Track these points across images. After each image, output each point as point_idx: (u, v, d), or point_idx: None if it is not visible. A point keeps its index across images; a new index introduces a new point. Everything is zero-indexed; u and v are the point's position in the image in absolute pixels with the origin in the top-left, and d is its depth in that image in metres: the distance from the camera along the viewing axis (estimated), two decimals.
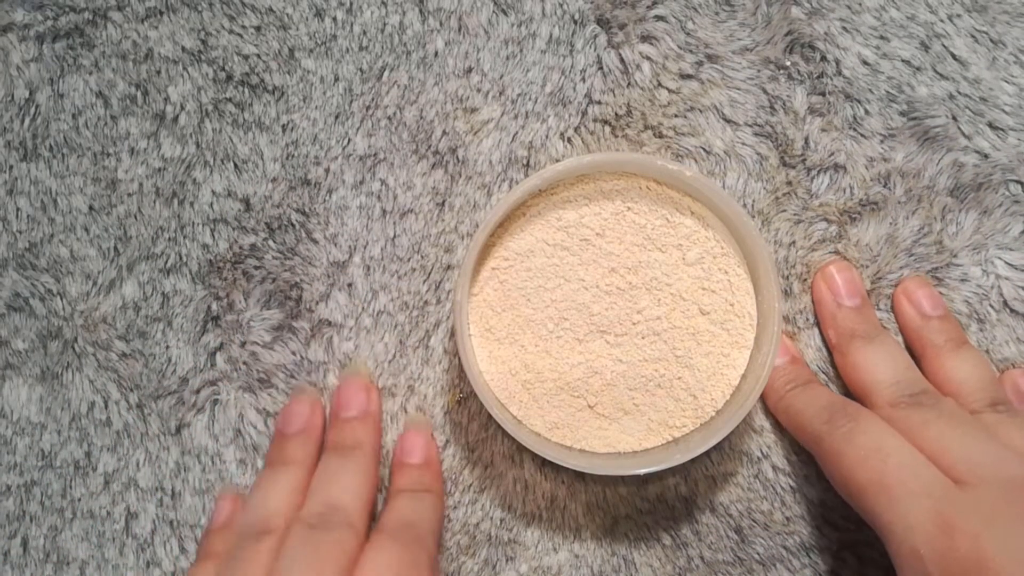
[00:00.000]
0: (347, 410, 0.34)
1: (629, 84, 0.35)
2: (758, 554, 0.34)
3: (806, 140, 0.35)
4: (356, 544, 0.29)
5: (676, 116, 0.35)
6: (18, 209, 0.36)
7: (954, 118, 0.35)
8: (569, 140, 0.35)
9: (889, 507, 0.27)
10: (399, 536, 0.30)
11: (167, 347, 0.35)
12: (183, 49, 0.36)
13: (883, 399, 0.31)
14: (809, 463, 0.34)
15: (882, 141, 0.35)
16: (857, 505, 0.29)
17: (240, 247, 0.36)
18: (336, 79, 0.36)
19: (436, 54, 0.36)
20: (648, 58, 0.35)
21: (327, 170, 0.36)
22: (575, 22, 0.36)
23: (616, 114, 0.35)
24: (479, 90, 0.36)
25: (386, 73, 0.36)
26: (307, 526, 0.29)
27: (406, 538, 0.30)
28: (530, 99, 0.35)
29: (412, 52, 0.36)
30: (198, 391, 0.35)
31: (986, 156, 0.35)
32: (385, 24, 0.36)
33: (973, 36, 0.35)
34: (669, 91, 0.35)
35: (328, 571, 0.28)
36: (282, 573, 0.28)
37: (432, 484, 0.34)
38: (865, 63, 0.35)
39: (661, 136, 0.35)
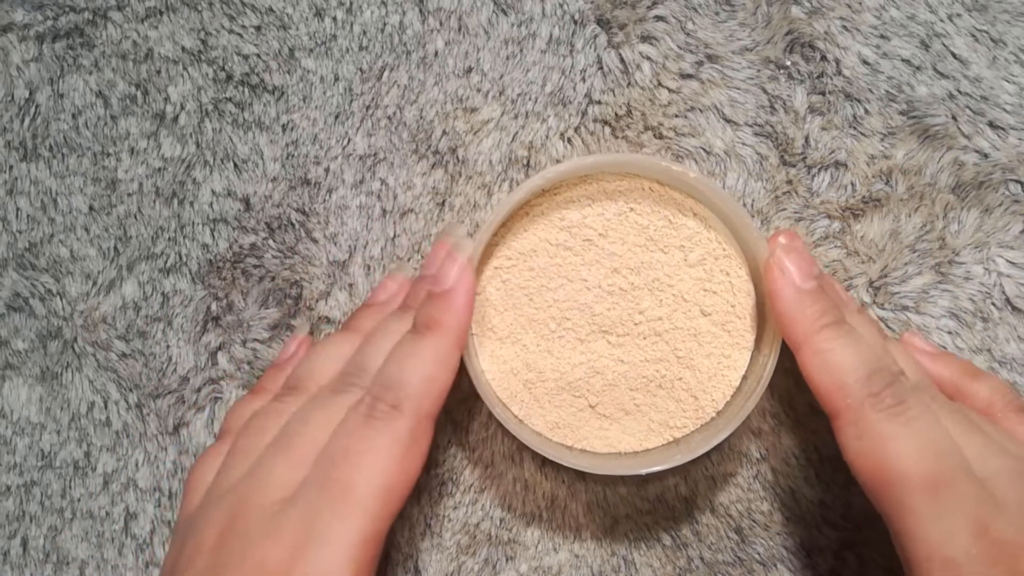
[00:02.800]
0: (434, 282, 0.30)
1: (629, 84, 0.35)
2: (758, 554, 0.34)
3: (806, 139, 0.35)
4: (405, 433, 0.27)
5: (676, 116, 0.35)
6: (18, 209, 0.36)
7: (954, 117, 0.35)
8: (569, 140, 0.35)
9: (932, 506, 0.25)
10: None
11: (167, 347, 0.35)
12: (183, 49, 0.36)
13: (856, 397, 0.27)
14: (809, 464, 0.34)
15: (882, 140, 0.35)
16: (882, 492, 0.26)
17: (240, 247, 0.35)
18: (336, 79, 0.36)
19: (436, 54, 0.36)
20: (648, 58, 0.35)
21: (327, 170, 0.36)
22: (575, 22, 0.36)
23: (616, 114, 0.35)
24: (479, 90, 0.36)
25: (386, 73, 0.36)
26: (332, 391, 0.28)
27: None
28: (530, 99, 0.35)
29: (412, 52, 0.36)
30: (199, 389, 0.35)
31: (986, 155, 0.35)
32: (385, 24, 0.36)
33: (973, 35, 0.35)
34: (669, 91, 0.35)
35: (322, 436, 0.27)
36: (285, 432, 0.27)
37: (449, 322, 0.29)
38: (865, 62, 0.35)
39: (661, 136, 0.35)
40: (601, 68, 0.35)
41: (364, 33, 0.36)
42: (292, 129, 0.36)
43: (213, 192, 0.36)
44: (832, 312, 0.29)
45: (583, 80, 0.35)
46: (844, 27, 0.35)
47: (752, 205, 0.35)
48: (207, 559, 0.25)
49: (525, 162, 0.35)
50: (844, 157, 0.35)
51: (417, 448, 0.27)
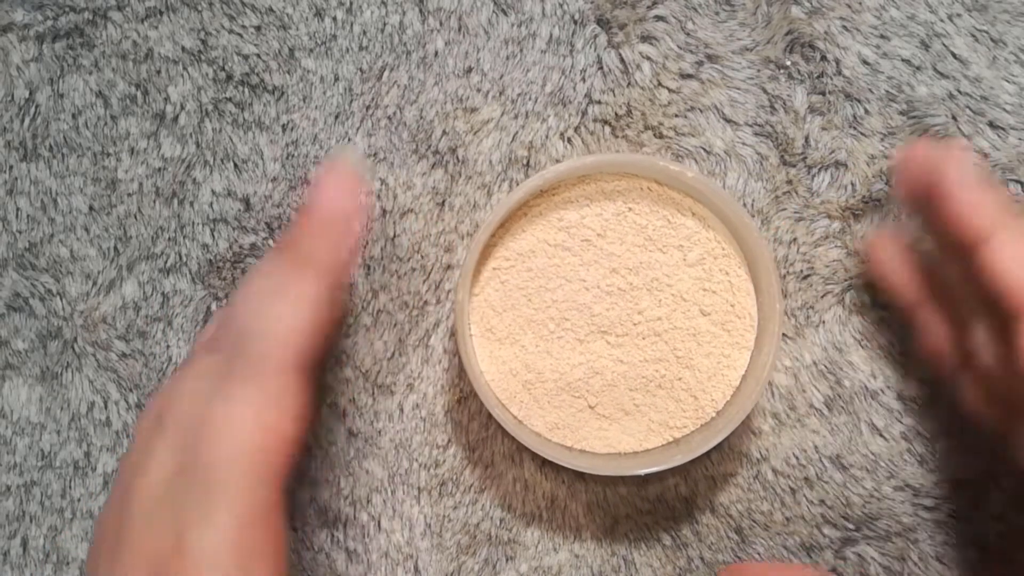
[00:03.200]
0: (314, 207, 0.26)
1: (629, 84, 0.35)
2: (758, 554, 0.34)
3: (806, 139, 0.35)
4: (264, 395, 0.24)
5: (676, 116, 0.35)
6: (18, 209, 0.36)
7: (954, 117, 0.35)
8: (569, 140, 0.35)
9: None
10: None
11: (167, 347, 0.35)
12: (183, 49, 0.36)
13: None
14: (809, 464, 0.34)
15: (882, 140, 0.35)
16: None
17: (240, 247, 0.35)
18: (336, 79, 0.36)
19: (436, 54, 0.36)
20: (648, 58, 0.35)
21: None
22: (575, 22, 0.36)
23: (616, 114, 0.35)
24: (479, 90, 0.36)
25: (386, 73, 0.36)
26: (205, 351, 0.26)
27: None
28: (530, 99, 0.35)
29: (412, 52, 0.36)
30: None
31: (986, 155, 0.35)
32: (385, 24, 0.36)
33: (973, 35, 0.35)
34: (669, 91, 0.35)
35: (189, 408, 0.24)
36: (163, 408, 0.25)
37: (321, 256, 0.25)
38: (865, 62, 0.35)
39: (661, 136, 0.35)
40: (601, 68, 0.35)
41: (364, 33, 0.36)
42: (292, 129, 0.36)
43: (213, 192, 0.36)
44: (1014, 203, 0.26)
45: (583, 80, 0.35)
46: (844, 27, 0.35)
47: (752, 205, 0.35)
48: (108, 547, 0.24)
49: (525, 162, 0.35)
50: (844, 157, 0.35)
51: (286, 406, 0.24)
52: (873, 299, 0.35)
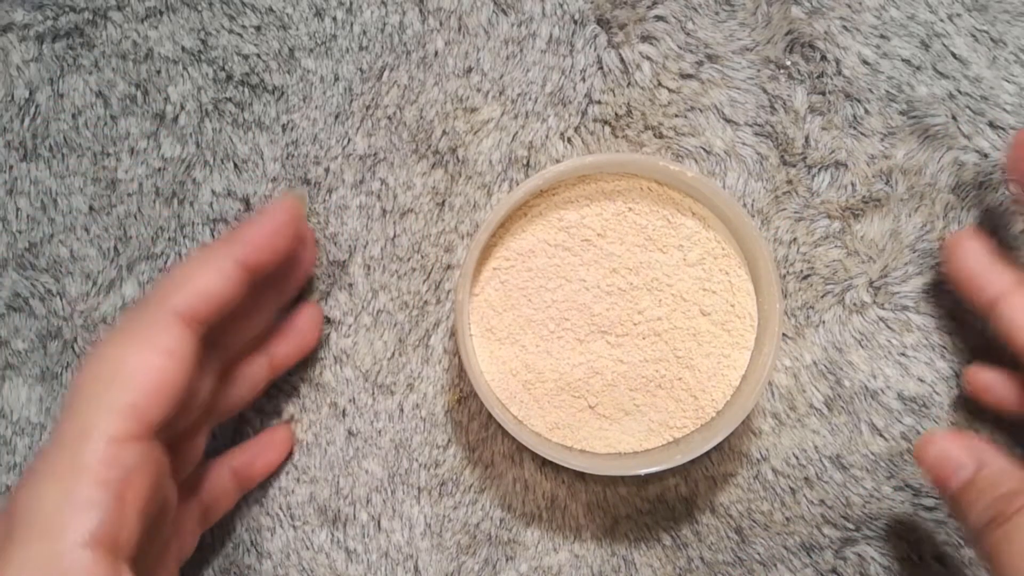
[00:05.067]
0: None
1: (629, 84, 0.35)
2: (758, 554, 0.34)
3: (806, 139, 0.35)
4: (140, 324, 0.25)
5: (676, 116, 0.35)
6: (18, 209, 0.36)
7: (954, 117, 0.35)
8: (569, 140, 0.35)
9: None
10: None
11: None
12: (183, 49, 0.36)
13: None
14: (809, 464, 0.34)
15: (882, 139, 0.35)
16: None
17: None
18: (336, 79, 0.36)
19: (436, 54, 0.36)
20: (648, 58, 0.35)
21: (327, 170, 0.36)
22: (575, 22, 0.36)
23: (616, 114, 0.35)
24: (479, 90, 0.36)
25: (386, 73, 0.36)
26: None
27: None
28: (530, 99, 0.35)
29: (412, 52, 0.36)
30: None
31: (986, 155, 0.35)
32: (385, 24, 0.36)
33: (973, 35, 0.35)
34: (669, 91, 0.35)
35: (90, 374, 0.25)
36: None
37: (233, 234, 0.29)
38: (865, 62, 0.35)
39: (661, 136, 0.35)
40: (601, 68, 0.35)
41: (364, 33, 0.36)
42: (292, 129, 0.36)
43: (213, 192, 0.36)
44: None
45: (583, 80, 0.35)
46: (844, 27, 0.35)
47: (752, 205, 0.35)
48: None
49: (525, 162, 0.35)
50: (844, 157, 0.35)
51: (156, 341, 0.25)
52: (872, 299, 0.35)
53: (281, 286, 0.33)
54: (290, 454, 0.35)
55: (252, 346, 0.32)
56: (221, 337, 0.29)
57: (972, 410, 0.34)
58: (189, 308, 0.26)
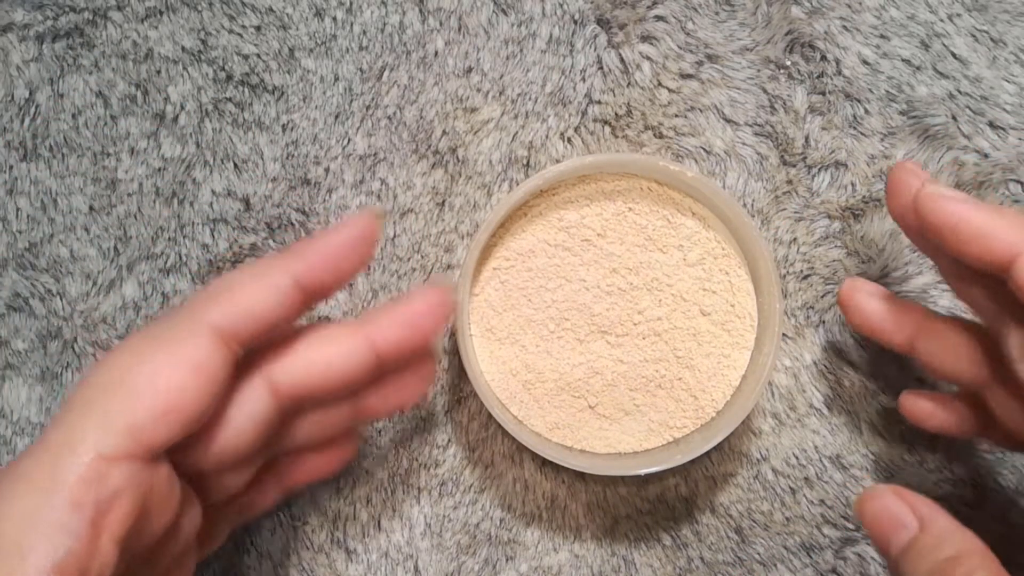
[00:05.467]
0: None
1: (629, 84, 0.35)
2: (758, 554, 0.34)
3: (806, 139, 0.35)
4: (175, 336, 0.22)
5: (676, 116, 0.35)
6: (18, 209, 0.36)
7: (954, 117, 0.35)
8: (569, 140, 0.35)
9: None
10: None
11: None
12: (183, 49, 0.36)
13: None
14: (809, 464, 0.34)
15: (882, 139, 0.35)
16: None
17: (240, 247, 0.35)
18: (336, 79, 0.36)
19: (436, 54, 0.36)
20: (648, 58, 0.35)
21: (327, 170, 0.36)
22: (575, 22, 0.36)
23: (616, 114, 0.35)
24: (479, 90, 0.36)
25: (386, 73, 0.36)
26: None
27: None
28: (530, 99, 0.35)
29: (412, 52, 0.36)
30: None
31: (986, 155, 0.35)
32: (385, 24, 0.36)
33: (973, 35, 0.35)
34: (669, 91, 0.35)
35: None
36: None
37: (291, 248, 0.24)
38: (865, 62, 0.35)
39: (661, 136, 0.35)
40: (601, 68, 0.35)
41: (364, 33, 0.36)
42: (292, 129, 0.36)
43: (213, 192, 0.36)
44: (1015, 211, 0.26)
45: (583, 80, 0.35)
46: (844, 27, 0.35)
47: (752, 205, 0.35)
48: None
49: (525, 162, 0.35)
50: (844, 157, 0.35)
51: (182, 353, 0.22)
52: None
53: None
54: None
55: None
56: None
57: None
58: (230, 323, 0.23)
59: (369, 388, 0.28)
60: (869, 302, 0.30)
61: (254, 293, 0.23)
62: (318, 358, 0.24)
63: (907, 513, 0.26)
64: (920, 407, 0.31)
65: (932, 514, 0.26)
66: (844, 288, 0.31)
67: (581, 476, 0.35)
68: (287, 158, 0.36)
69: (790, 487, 0.34)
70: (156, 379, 0.22)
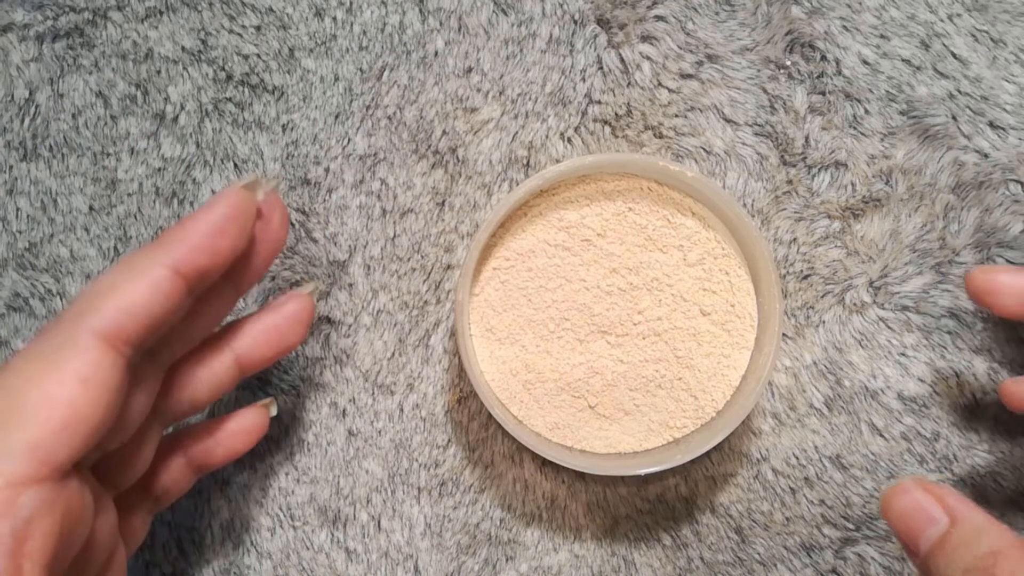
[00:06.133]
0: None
1: (629, 84, 0.35)
2: (758, 554, 0.34)
3: (806, 139, 0.35)
4: (52, 340, 0.21)
5: (676, 116, 0.35)
6: (18, 209, 0.36)
7: (954, 117, 0.35)
8: (569, 140, 0.35)
9: None
10: None
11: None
12: (183, 49, 0.36)
13: None
14: (809, 464, 0.34)
15: (882, 139, 0.35)
16: None
17: None
18: (336, 79, 0.36)
19: (436, 54, 0.36)
20: (648, 58, 0.35)
21: (327, 170, 0.36)
22: (575, 22, 0.36)
23: (616, 114, 0.35)
24: (479, 90, 0.36)
25: (386, 73, 0.36)
26: None
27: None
28: (530, 99, 0.35)
29: (412, 52, 0.36)
30: None
31: (986, 155, 0.35)
32: (385, 24, 0.36)
33: (973, 35, 0.35)
34: (669, 91, 0.35)
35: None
36: None
37: (166, 235, 0.23)
38: (865, 62, 0.35)
39: (661, 136, 0.35)
40: (601, 68, 0.35)
41: (364, 33, 0.36)
42: (292, 129, 0.36)
43: (213, 192, 0.36)
44: None
45: (583, 80, 0.35)
46: (844, 27, 0.35)
47: (752, 205, 0.35)
48: None
49: (525, 162, 0.35)
50: (844, 157, 0.35)
51: (67, 366, 0.21)
52: (872, 299, 0.35)
53: (237, 278, 0.27)
54: (275, 444, 0.33)
55: (213, 341, 0.28)
56: (161, 345, 0.25)
57: (971, 411, 0.34)
58: (113, 327, 0.22)
59: (240, 334, 0.28)
60: (1016, 280, 0.29)
61: (132, 291, 0.22)
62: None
63: (935, 506, 0.25)
64: (1020, 390, 0.30)
65: (963, 507, 0.24)
66: (978, 278, 0.30)
67: (581, 476, 0.35)
68: (287, 158, 0.36)
69: (790, 487, 0.34)
70: (48, 397, 0.21)
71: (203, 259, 0.23)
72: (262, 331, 0.28)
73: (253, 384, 0.35)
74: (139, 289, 0.22)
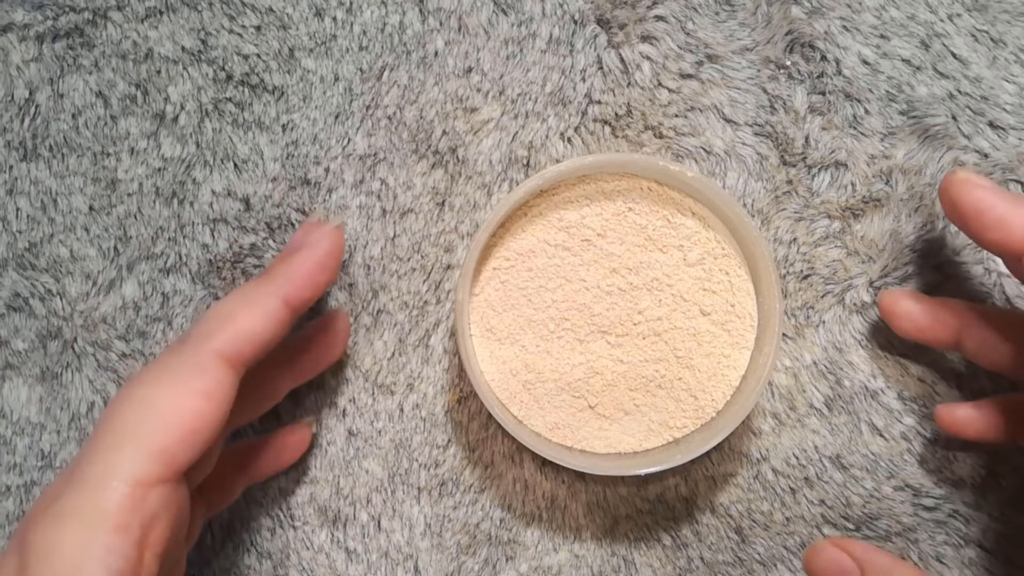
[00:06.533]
0: (291, 243, 0.29)
1: (629, 84, 0.35)
2: (758, 554, 0.34)
3: (806, 139, 0.35)
4: (181, 364, 0.25)
5: (676, 116, 0.35)
6: (18, 209, 0.36)
7: (954, 117, 0.35)
8: (569, 140, 0.35)
9: None
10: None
11: (167, 347, 0.35)
12: (183, 49, 0.36)
13: None
14: (809, 464, 0.34)
15: (882, 139, 0.35)
16: None
17: (240, 247, 0.35)
18: (336, 79, 0.36)
19: (436, 54, 0.36)
20: (648, 58, 0.35)
21: (327, 170, 0.36)
22: (575, 22, 0.36)
23: (616, 114, 0.35)
24: (479, 90, 0.36)
25: (386, 73, 0.36)
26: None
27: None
28: (530, 99, 0.35)
29: (412, 52, 0.36)
30: None
31: (986, 155, 0.35)
32: (385, 24, 0.36)
33: (973, 35, 0.35)
34: (669, 91, 0.35)
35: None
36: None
37: (277, 270, 0.28)
38: (865, 62, 0.35)
39: (661, 136, 0.35)
40: (601, 68, 0.35)
41: (364, 33, 0.36)
42: (292, 129, 0.36)
43: (213, 192, 0.36)
44: None
45: (583, 80, 0.35)
46: (844, 27, 0.35)
47: (752, 205, 0.35)
48: None
49: (525, 162, 0.35)
50: (844, 157, 0.35)
51: (195, 383, 0.24)
52: (872, 299, 0.35)
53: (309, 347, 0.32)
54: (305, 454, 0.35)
55: (276, 355, 0.31)
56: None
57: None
58: (233, 349, 0.25)
59: (298, 348, 0.32)
60: (914, 307, 0.32)
61: (250, 319, 0.26)
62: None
63: (845, 558, 0.29)
64: (957, 416, 0.31)
65: (868, 554, 0.29)
66: (885, 300, 0.33)
67: (581, 476, 0.35)
68: (287, 158, 0.36)
69: (790, 487, 0.34)
70: (177, 409, 0.24)
71: (307, 292, 0.27)
72: (313, 344, 0.33)
73: None
74: (256, 318, 0.26)
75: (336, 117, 0.36)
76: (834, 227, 0.35)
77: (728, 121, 0.35)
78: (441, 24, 0.36)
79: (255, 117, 0.36)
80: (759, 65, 0.35)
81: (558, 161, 0.35)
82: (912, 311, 0.32)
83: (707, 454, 0.34)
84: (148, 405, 0.24)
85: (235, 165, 0.36)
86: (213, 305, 0.26)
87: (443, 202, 0.35)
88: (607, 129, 0.35)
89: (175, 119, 0.36)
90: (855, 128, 0.35)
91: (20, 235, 0.36)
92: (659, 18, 0.35)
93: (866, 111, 0.35)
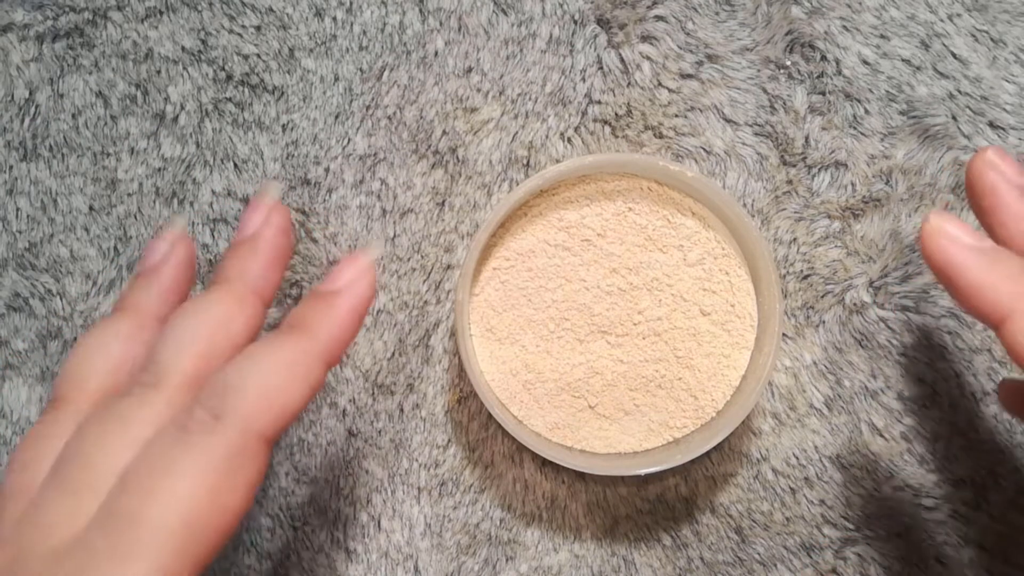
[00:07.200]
0: (237, 235, 0.26)
1: (629, 84, 0.35)
2: (758, 554, 0.34)
3: (806, 139, 0.35)
4: (223, 453, 0.21)
5: (676, 116, 0.35)
6: (18, 209, 0.36)
7: (954, 117, 0.35)
8: (569, 140, 0.35)
9: None
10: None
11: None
12: (183, 49, 0.36)
13: None
14: (809, 464, 0.34)
15: (882, 139, 0.35)
16: None
17: None
18: (336, 79, 0.36)
19: (436, 54, 0.36)
20: (648, 58, 0.35)
21: (327, 170, 0.36)
22: (575, 22, 0.36)
23: (616, 114, 0.35)
24: (479, 90, 0.36)
25: (386, 73, 0.36)
26: (116, 397, 0.22)
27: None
28: (530, 99, 0.35)
29: (412, 52, 0.36)
30: None
31: None
32: (385, 24, 0.36)
33: (973, 35, 0.35)
34: (669, 91, 0.35)
35: (103, 458, 0.21)
36: (61, 459, 0.22)
37: (322, 327, 0.23)
38: (865, 62, 0.35)
39: (661, 136, 0.35)
40: (601, 68, 0.35)
41: (364, 33, 0.36)
42: (292, 129, 0.36)
43: (213, 192, 0.36)
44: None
45: (583, 80, 0.35)
46: (844, 27, 0.35)
47: (752, 205, 0.35)
48: None
49: (525, 162, 0.35)
50: (844, 157, 0.35)
51: (240, 477, 0.21)
52: (872, 299, 0.35)
53: None
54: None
55: None
56: None
57: (971, 411, 0.34)
58: (280, 430, 0.22)
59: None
60: (964, 248, 0.24)
61: (297, 395, 0.22)
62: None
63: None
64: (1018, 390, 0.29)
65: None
66: (931, 220, 0.25)
67: (581, 476, 0.35)
68: (287, 158, 0.36)
69: (790, 487, 0.34)
70: (224, 510, 0.21)
71: (346, 347, 0.24)
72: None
73: None
74: (304, 393, 0.22)
75: (336, 117, 0.36)
76: (834, 227, 0.35)
77: (728, 121, 0.35)
78: (441, 24, 0.36)
79: (255, 117, 0.36)
80: (759, 65, 0.35)
81: (558, 161, 0.35)
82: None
83: (707, 454, 0.34)
84: (191, 508, 0.21)
85: (235, 165, 0.36)
86: (249, 366, 0.22)
87: (443, 202, 0.35)
88: (607, 129, 0.35)
89: (175, 119, 0.36)
90: (855, 128, 0.35)
91: (20, 235, 0.36)
92: (659, 18, 0.35)
93: (866, 111, 0.35)
